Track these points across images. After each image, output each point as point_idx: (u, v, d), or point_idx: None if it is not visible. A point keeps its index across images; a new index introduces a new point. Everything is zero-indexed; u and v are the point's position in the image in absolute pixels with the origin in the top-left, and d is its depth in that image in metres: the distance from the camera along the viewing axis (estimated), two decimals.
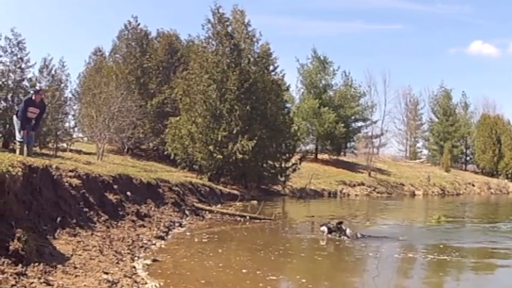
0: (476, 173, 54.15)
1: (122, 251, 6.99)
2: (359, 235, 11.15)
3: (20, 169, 5.90)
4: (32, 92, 13.75)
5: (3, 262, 4.70)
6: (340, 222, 11.48)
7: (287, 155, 26.99)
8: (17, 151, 11.66)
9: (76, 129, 32.79)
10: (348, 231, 11.23)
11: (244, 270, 6.96)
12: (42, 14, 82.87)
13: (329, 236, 11.05)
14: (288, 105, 33.31)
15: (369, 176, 38.15)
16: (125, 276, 5.67)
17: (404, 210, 24.91)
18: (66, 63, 28.45)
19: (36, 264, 4.99)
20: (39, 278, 4.77)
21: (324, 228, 11.37)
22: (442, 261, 8.45)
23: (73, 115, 33.00)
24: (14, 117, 12.44)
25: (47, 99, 20.62)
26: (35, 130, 12.94)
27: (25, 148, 11.59)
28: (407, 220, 17.46)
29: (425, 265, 8.46)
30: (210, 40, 25.70)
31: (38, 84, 22.56)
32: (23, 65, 24.54)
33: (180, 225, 11.29)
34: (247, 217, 13.90)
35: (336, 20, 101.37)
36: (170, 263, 7.20)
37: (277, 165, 26.22)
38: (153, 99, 31.55)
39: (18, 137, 11.95)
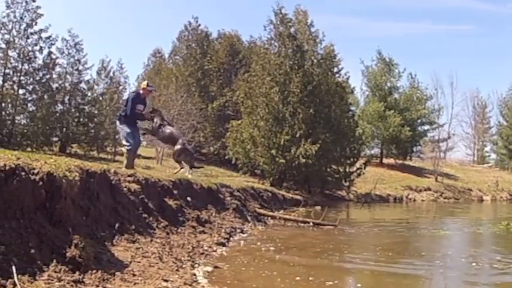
0: None
1: (182, 258, 6.79)
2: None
3: (78, 174, 5.79)
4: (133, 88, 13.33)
5: (60, 269, 4.55)
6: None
7: (351, 159, 26.53)
8: (125, 162, 10.71)
9: None
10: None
11: (297, 278, 6.63)
12: (100, 14, 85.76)
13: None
14: (352, 108, 32.77)
15: (435, 181, 37.42)
16: (185, 283, 5.45)
17: (473, 215, 23.80)
18: (125, 65, 29.19)
19: (94, 271, 4.84)
20: (97, 286, 4.62)
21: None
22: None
23: None
24: (118, 122, 11.20)
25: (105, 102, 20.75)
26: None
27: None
28: (475, 225, 16.56)
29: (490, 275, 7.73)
30: (273, 41, 25.61)
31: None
32: (80, 67, 25.11)
33: (242, 232, 11.05)
34: (311, 223, 13.54)
35: (402, 20, 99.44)
36: (231, 270, 6.96)
37: (341, 170, 25.81)
38: (213, 102, 31.72)
39: (125, 144, 10.85)
